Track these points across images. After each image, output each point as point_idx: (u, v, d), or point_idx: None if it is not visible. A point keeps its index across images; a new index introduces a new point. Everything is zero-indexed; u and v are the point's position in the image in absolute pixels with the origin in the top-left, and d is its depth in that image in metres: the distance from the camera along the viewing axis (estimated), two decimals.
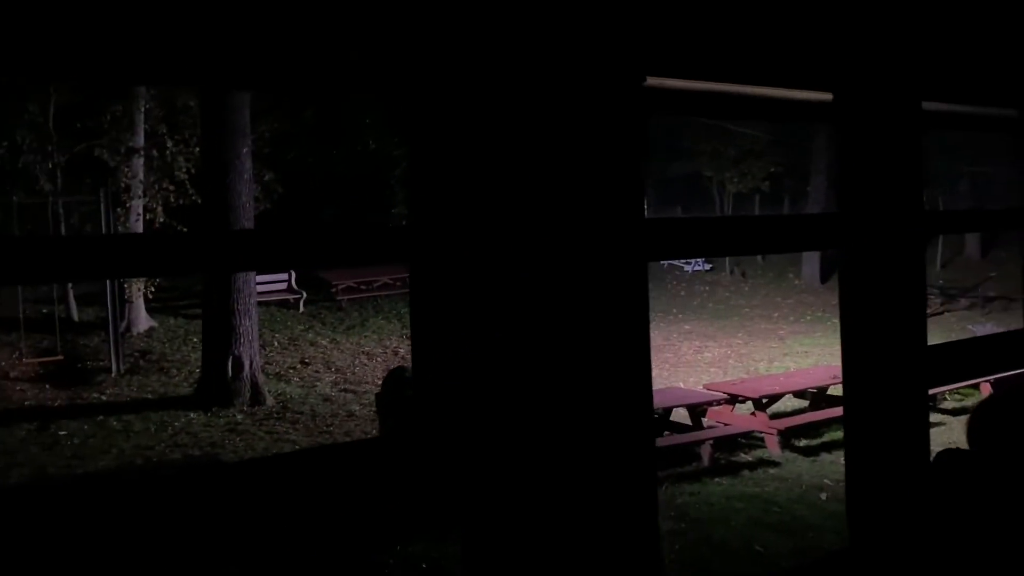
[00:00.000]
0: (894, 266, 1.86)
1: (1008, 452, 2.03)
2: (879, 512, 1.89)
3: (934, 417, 10.42)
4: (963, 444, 2.25)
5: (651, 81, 1.47)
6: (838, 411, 9.97)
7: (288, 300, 17.69)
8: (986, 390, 10.28)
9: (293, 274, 17.97)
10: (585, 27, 1.38)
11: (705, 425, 9.46)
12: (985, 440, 2.11)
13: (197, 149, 14.36)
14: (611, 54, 1.40)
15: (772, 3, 1.68)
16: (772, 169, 22.77)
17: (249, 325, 11.97)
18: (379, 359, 14.48)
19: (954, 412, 10.10)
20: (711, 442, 8.87)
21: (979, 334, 14.43)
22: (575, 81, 1.38)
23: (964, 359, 2.14)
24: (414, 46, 1.32)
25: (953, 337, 13.99)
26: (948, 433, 9.38)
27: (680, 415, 9.49)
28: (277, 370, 13.48)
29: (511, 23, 1.33)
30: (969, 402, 10.49)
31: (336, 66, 1.31)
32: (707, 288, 21.60)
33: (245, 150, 11.72)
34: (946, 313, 18.55)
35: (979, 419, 2.16)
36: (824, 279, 21.12)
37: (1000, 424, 2.10)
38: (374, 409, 10.48)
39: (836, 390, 10.63)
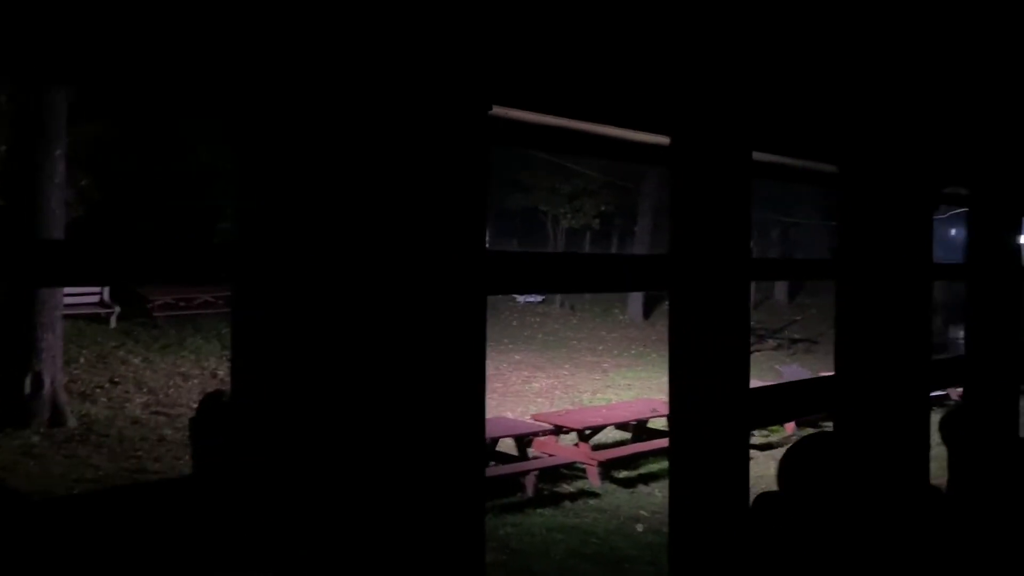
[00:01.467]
0: (720, 310, 1.91)
1: (814, 494, 2.12)
2: (699, 550, 1.92)
3: None
4: (770, 478, 2.33)
5: (496, 111, 1.44)
6: (657, 443, 10.30)
7: (99, 314, 16.56)
8: (791, 428, 10.92)
9: (107, 287, 16.87)
10: (431, 48, 1.34)
11: (530, 456, 9.55)
12: (793, 482, 2.20)
13: (3, 147, 13.26)
14: (457, 79, 1.36)
15: (614, 45, 1.69)
16: (603, 208, 23.62)
17: (53, 340, 11.10)
18: (196, 380, 13.78)
19: (761, 447, 10.64)
20: (536, 473, 8.95)
21: (785, 372, 15.39)
22: (419, 103, 1.33)
23: (783, 401, 2.23)
24: (245, 57, 1.23)
25: (764, 375, 14.83)
26: (755, 467, 9.88)
27: (507, 445, 9.54)
28: (82, 389, 12.55)
29: (353, 38, 1.27)
30: (775, 438, 11.10)
31: (160, 69, 1.20)
32: (538, 320, 21.98)
33: (59, 152, 10.92)
34: (756, 353, 19.71)
35: (788, 464, 2.25)
36: (647, 315, 22.01)
37: (806, 468, 2.19)
38: (187, 434, 9.91)
39: (656, 423, 11.01)
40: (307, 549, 1.34)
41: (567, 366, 17.45)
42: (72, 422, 11.01)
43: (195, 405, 11.35)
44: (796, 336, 21.27)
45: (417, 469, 1.34)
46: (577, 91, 1.59)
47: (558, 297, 23.37)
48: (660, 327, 21.42)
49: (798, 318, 22.91)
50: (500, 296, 22.71)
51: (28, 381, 10.75)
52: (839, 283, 2.46)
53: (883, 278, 2.44)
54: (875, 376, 2.41)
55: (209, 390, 10.66)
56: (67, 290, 13.23)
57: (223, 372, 14.09)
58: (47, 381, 10.90)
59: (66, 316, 12.68)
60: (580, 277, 1.73)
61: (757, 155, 2.00)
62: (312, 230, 1.31)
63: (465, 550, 1.41)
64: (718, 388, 1.91)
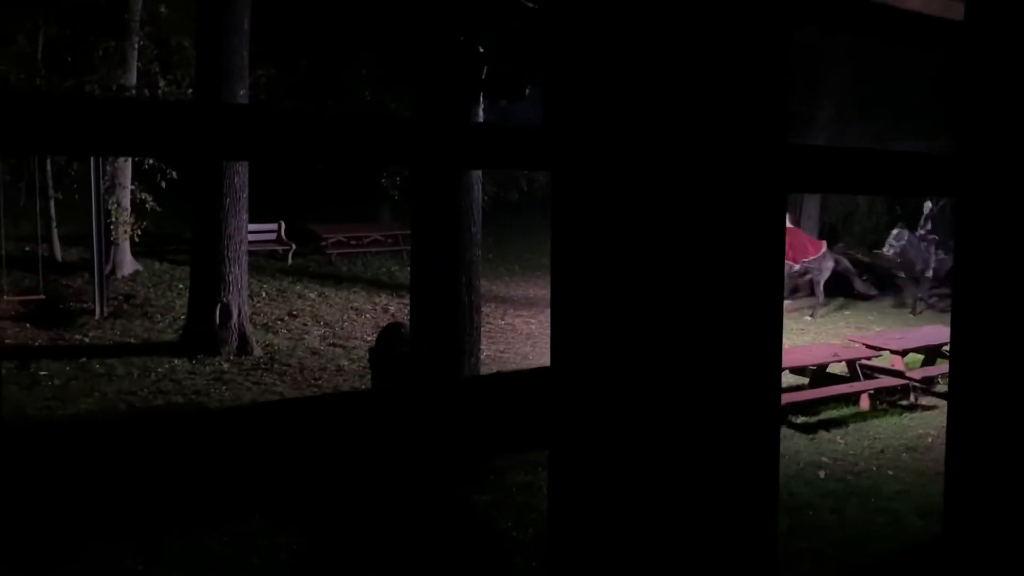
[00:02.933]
0: (1021, 222, 1.65)
1: None
2: (978, 501, 1.70)
3: (927, 400, 10.29)
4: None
5: None
6: (838, 389, 9.84)
7: (276, 251, 17.39)
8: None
9: (283, 224, 17.65)
10: None
11: None
12: None
13: (190, 91, 13.93)
14: None
15: None
16: None
17: (239, 273, 11.69)
18: (368, 315, 14.24)
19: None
20: None
21: None
22: None
23: None
24: None
25: None
26: (940, 417, 9.22)
27: None
28: (264, 321, 13.23)
29: None
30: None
31: None
32: None
33: (243, 92, 11.33)
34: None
35: None
36: None
37: None
38: (364, 364, 10.26)
39: (835, 368, 10.50)
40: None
41: None
42: (257, 351, 11.62)
43: (369, 338, 11.73)
44: None
45: (709, 388, 1.20)
46: None
47: None
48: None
49: None
50: None
51: (218, 312, 11.39)
52: None
53: None
54: None
55: (383, 324, 10.96)
56: (248, 227, 13.90)
57: (394, 308, 14.50)
58: (234, 312, 11.51)
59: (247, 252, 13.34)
60: (876, 177, 1.52)
61: None
62: (605, 121, 1.17)
63: (761, 490, 1.26)
64: (1013, 314, 1.66)
